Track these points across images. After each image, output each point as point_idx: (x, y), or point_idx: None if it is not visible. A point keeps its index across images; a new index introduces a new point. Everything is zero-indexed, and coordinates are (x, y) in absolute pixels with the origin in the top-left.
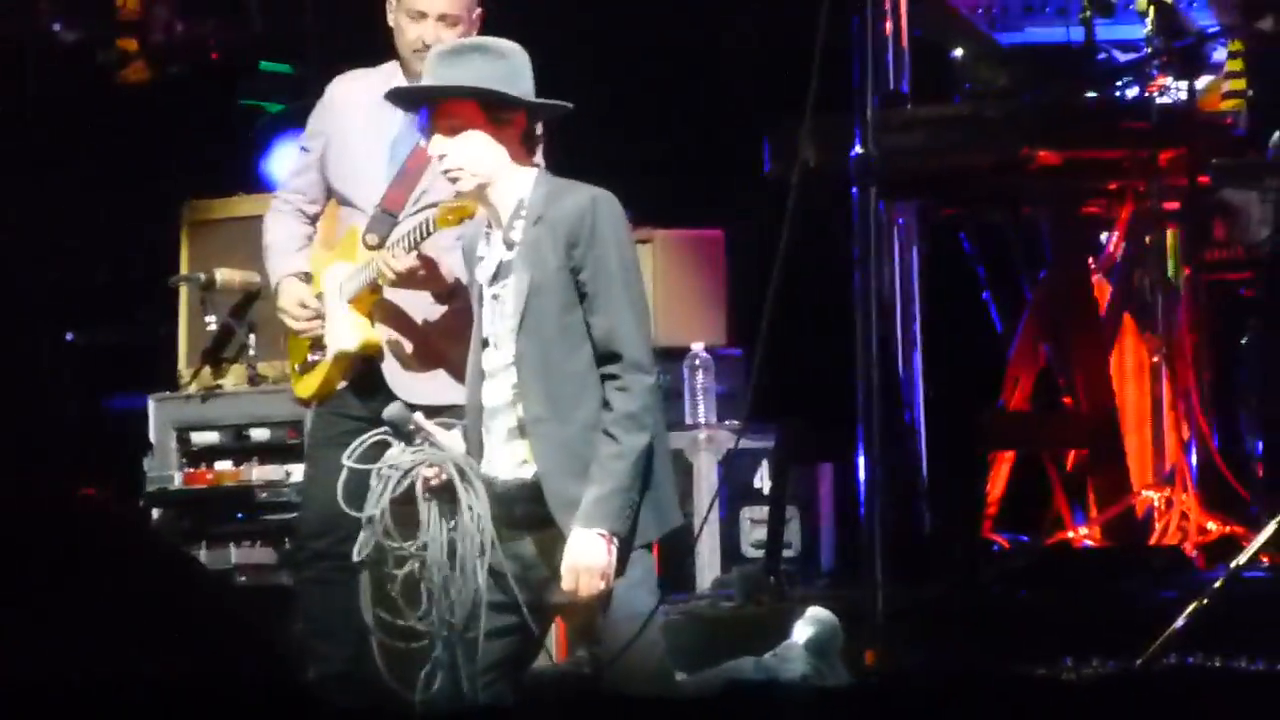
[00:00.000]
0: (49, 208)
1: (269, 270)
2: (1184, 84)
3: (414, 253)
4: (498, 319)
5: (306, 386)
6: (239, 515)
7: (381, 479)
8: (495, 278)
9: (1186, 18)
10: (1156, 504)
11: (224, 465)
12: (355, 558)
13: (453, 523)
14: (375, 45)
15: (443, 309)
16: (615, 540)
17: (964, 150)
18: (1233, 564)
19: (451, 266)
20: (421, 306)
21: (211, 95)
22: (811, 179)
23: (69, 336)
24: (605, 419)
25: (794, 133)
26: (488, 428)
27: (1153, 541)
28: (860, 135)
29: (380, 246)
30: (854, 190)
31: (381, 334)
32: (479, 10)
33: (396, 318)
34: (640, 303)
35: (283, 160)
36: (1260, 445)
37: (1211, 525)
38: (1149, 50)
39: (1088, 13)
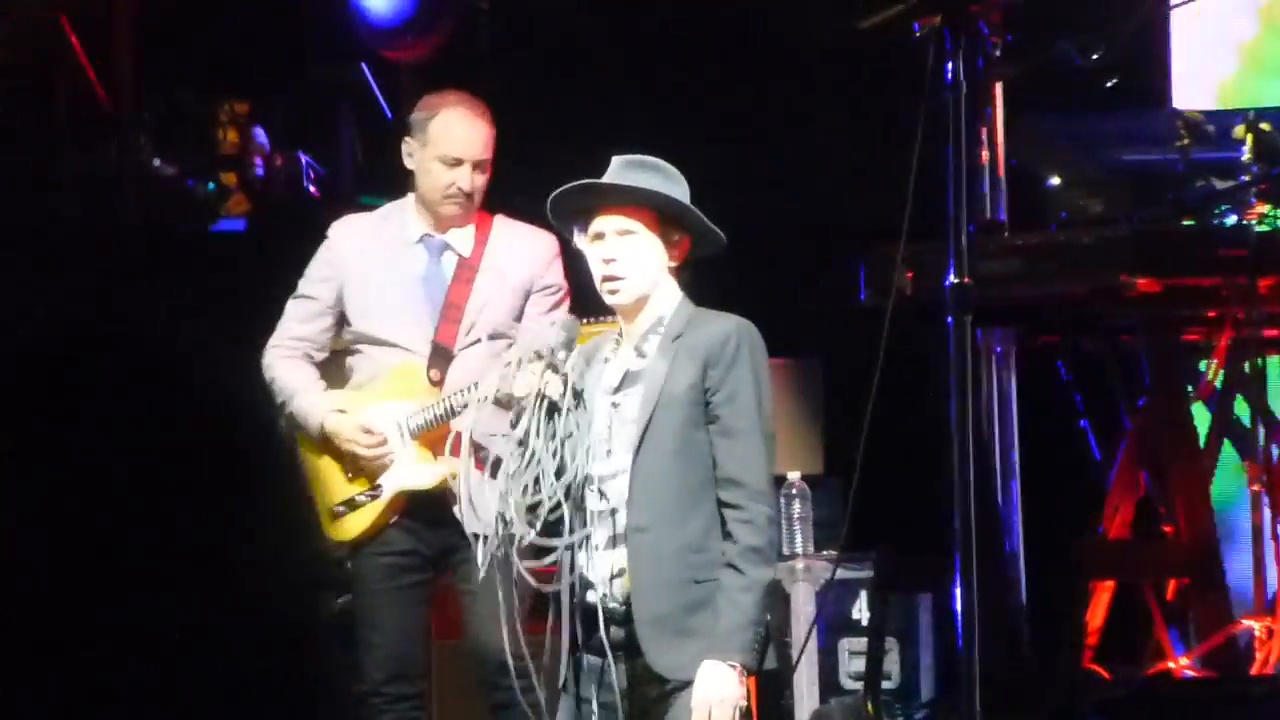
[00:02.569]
0: (148, 337)
1: (299, 411)
2: None
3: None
4: (616, 425)
5: (353, 527)
6: None
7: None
8: (620, 386)
9: None
10: (1258, 633)
11: None
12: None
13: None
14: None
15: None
16: (745, 673)
17: (1060, 277)
18: None
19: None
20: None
21: (308, 229)
22: (907, 306)
23: None
24: (730, 551)
25: (890, 260)
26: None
27: (1254, 671)
28: (954, 263)
29: (442, 382)
30: (949, 318)
31: (446, 468)
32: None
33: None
34: (771, 435)
35: None
36: None
37: None
38: (1247, 177)
39: (1185, 140)
